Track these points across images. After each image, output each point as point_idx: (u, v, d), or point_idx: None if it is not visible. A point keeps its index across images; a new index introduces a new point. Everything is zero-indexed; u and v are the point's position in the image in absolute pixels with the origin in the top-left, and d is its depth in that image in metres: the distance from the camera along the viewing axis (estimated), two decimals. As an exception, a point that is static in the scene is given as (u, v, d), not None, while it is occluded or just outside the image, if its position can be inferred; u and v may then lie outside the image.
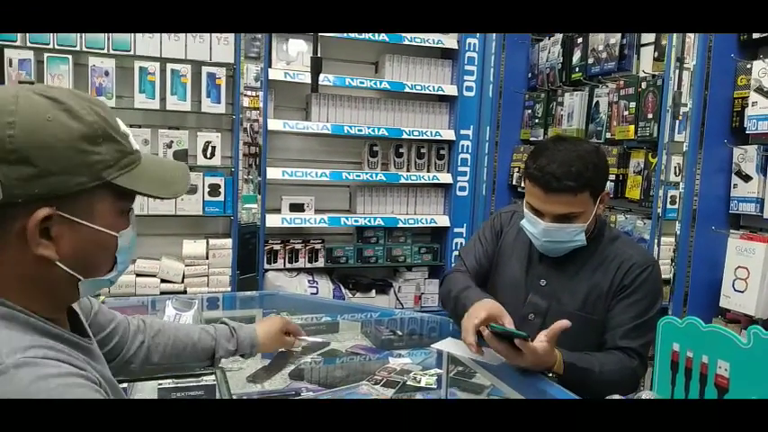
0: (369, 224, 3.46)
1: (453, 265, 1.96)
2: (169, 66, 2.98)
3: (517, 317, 1.63)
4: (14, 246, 0.74)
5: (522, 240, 1.71)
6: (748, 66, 2.02)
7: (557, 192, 1.48)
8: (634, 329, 1.54)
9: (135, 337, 1.22)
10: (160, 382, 1.30)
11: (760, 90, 1.95)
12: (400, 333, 1.93)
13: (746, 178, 2.05)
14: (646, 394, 1.09)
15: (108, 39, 2.88)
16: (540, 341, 1.41)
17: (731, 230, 2.11)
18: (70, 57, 2.84)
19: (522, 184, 3.22)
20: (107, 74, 2.89)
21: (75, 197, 0.75)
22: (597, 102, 2.75)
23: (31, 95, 0.74)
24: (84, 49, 2.86)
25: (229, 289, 3.12)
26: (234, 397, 1.35)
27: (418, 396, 1.43)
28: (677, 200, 2.21)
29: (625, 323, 1.56)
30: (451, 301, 1.70)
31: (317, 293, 3.30)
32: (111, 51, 2.89)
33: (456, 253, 3.54)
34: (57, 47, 2.82)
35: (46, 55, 2.81)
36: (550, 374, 1.48)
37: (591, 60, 2.80)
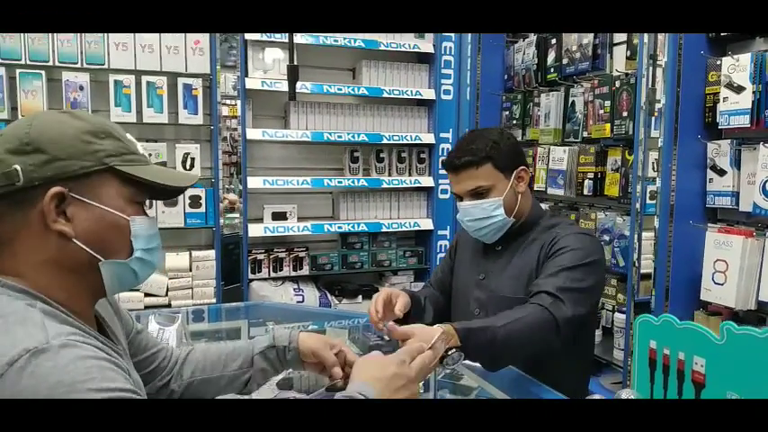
0: (352, 230, 3.46)
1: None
2: (144, 78, 2.95)
3: (466, 312, 1.73)
4: (36, 227, 0.85)
5: (469, 245, 1.82)
6: (718, 62, 2.05)
7: (459, 169, 1.63)
8: (553, 275, 1.52)
9: (174, 361, 1.22)
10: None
11: (730, 86, 1.98)
12: (388, 338, 1.92)
13: (721, 172, 2.08)
14: (626, 393, 1.10)
15: (81, 53, 2.85)
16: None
17: (709, 224, 2.14)
18: (43, 72, 2.80)
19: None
20: (81, 88, 2.86)
21: (83, 180, 0.86)
22: (573, 101, 2.78)
23: (52, 111, 0.93)
24: (57, 63, 2.82)
25: (214, 301, 3.09)
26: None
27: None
28: (655, 195, 2.24)
29: (548, 269, 1.55)
30: None
31: (302, 302, 3.29)
32: (85, 65, 2.86)
33: (441, 255, 3.56)
34: (29, 62, 2.78)
35: (18, 71, 2.77)
36: (452, 350, 1.33)
37: (565, 61, 2.83)
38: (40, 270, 0.86)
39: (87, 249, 0.87)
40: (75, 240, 0.86)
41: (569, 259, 1.54)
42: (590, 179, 2.64)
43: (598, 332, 2.55)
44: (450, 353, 1.32)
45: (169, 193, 0.97)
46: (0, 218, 0.85)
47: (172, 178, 0.95)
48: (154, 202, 2.43)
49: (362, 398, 0.94)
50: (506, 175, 1.64)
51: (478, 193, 1.63)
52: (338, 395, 0.96)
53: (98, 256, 0.89)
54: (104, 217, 0.88)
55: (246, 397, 1.36)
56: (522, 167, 1.68)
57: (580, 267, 1.53)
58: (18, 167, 0.83)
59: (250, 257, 3.28)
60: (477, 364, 1.56)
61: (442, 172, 3.58)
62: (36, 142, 0.84)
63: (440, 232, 3.64)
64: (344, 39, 3.33)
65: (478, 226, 1.67)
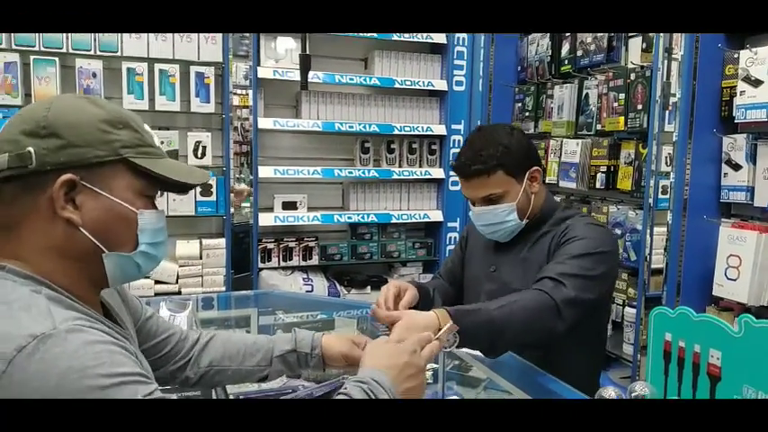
0: (362, 221, 3.46)
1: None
2: (157, 66, 2.96)
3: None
4: (44, 213, 0.84)
5: (481, 237, 1.79)
6: (735, 55, 2.02)
7: (471, 176, 1.60)
8: (560, 262, 1.51)
9: (189, 345, 1.23)
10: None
11: (747, 79, 1.95)
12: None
13: (736, 167, 2.06)
14: (639, 386, 1.10)
15: (95, 40, 2.86)
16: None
17: (722, 219, 2.12)
18: (57, 59, 2.81)
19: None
20: (95, 75, 2.87)
21: (96, 169, 0.86)
22: (587, 94, 2.75)
23: (70, 95, 0.92)
24: (71, 50, 2.83)
25: (224, 289, 3.11)
26: (230, 396, 1.35)
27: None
28: (669, 189, 2.22)
29: (556, 258, 1.54)
30: None
31: (312, 291, 3.30)
32: (99, 53, 2.87)
33: (450, 248, 3.55)
34: (43, 49, 2.79)
35: (32, 57, 2.78)
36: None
37: (580, 53, 2.80)
38: (45, 256, 0.85)
39: (93, 239, 0.87)
40: (81, 229, 0.86)
41: (579, 248, 1.52)
42: (602, 172, 2.62)
43: (608, 326, 2.54)
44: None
45: (180, 188, 0.96)
46: (9, 200, 0.84)
47: (184, 174, 0.95)
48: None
49: (378, 385, 0.94)
50: (519, 179, 1.61)
51: (491, 200, 1.61)
52: (352, 379, 0.97)
53: (102, 247, 0.88)
54: (113, 208, 0.88)
55: (256, 387, 1.37)
56: (535, 167, 1.65)
57: (590, 256, 1.50)
58: (31, 150, 0.82)
59: (260, 246, 3.29)
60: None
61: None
62: (52, 126, 0.83)
63: (449, 224, 3.64)
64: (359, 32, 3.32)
65: (492, 230, 1.66)
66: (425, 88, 3.52)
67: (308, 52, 2.30)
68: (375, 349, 1.08)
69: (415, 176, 3.56)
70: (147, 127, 0.94)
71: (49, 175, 0.83)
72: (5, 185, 0.84)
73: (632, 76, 2.48)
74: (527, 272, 1.62)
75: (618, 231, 2.55)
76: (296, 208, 3.34)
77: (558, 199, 2.88)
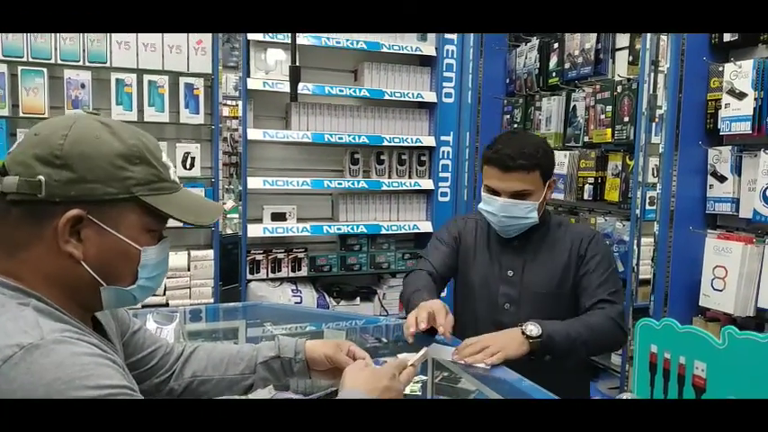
0: (352, 232, 3.46)
1: (416, 263, 2.07)
2: (146, 77, 2.95)
3: (494, 308, 1.80)
4: (48, 242, 0.84)
5: (481, 241, 1.87)
6: (720, 68, 2.05)
7: (512, 170, 1.68)
8: (604, 282, 1.75)
9: (174, 358, 1.22)
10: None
11: (732, 92, 1.98)
12: (385, 340, 1.93)
13: (722, 179, 2.09)
14: (626, 396, 1.10)
15: (83, 51, 2.85)
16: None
17: (708, 230, 2.14)
18: (45, 69, 2.80)
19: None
20: (83, 86, 2.86)
21: (105, 206, 0.85)
22: (574, 106, 2.78)
23: (90, 119, 0.89)
24: (59, 61, 2.82)
25: (212, 300, 3.09)
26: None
27: (403, 404, 1.43)
28: (655, 201, 2.24)
29: (594, 281, 1.75)
30: (406, 302, 1.83)
31: (300, 303, 3.28)
32: (87, 63, 2.86)
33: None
34: (31, 59, 2.78)
35: (20, 68, 2.77)
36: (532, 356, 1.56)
37: (567, 65, 2.83)
38: (41, 280, 0.85)
39: (93, 274, 0.86)
40: (82, 263, 0.85)
41: (606, 265, 1.76)
42: (590, 184, 2.64)
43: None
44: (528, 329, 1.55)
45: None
46: (15, 223, 0.84)
47: (195, 212, 0.94)
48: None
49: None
50: (544, 183, 1.75)
51: (520, 195, 1.71)
52: (333, 399, 0.97)
53: (102, 282, 0.87)
54: (117, 245, 0.87)
55: (245, 397, 1.36)
56: (554, 179, 1.80)
57: (614, 270, 1.78)
58: (42, 179, 0.81)
59: (249, 258, 3.27)
60: (476, 368, 1.56)
61: (443, 175, 3.59)
62: (66, 157, 0.82)
63: (439, 235, 3.63)
64: (346, 40, 3.34)
65: (512, 223, 1.75)
66: (415, 100, 3.53)
67: (297, 64, 2.30)
68: (355, 372, 1.10)
69: (405, 188, 3.57)
70: (165, 158, 0.92)
71: (57, 206, 0.82)
72: (13, 207, 0.83)
73: (619, 89, 2.50)
74: (547, 276, 1.77)
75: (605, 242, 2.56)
76: (285, 219, 3.33)
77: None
